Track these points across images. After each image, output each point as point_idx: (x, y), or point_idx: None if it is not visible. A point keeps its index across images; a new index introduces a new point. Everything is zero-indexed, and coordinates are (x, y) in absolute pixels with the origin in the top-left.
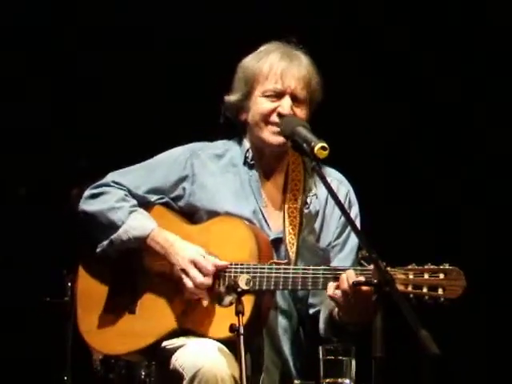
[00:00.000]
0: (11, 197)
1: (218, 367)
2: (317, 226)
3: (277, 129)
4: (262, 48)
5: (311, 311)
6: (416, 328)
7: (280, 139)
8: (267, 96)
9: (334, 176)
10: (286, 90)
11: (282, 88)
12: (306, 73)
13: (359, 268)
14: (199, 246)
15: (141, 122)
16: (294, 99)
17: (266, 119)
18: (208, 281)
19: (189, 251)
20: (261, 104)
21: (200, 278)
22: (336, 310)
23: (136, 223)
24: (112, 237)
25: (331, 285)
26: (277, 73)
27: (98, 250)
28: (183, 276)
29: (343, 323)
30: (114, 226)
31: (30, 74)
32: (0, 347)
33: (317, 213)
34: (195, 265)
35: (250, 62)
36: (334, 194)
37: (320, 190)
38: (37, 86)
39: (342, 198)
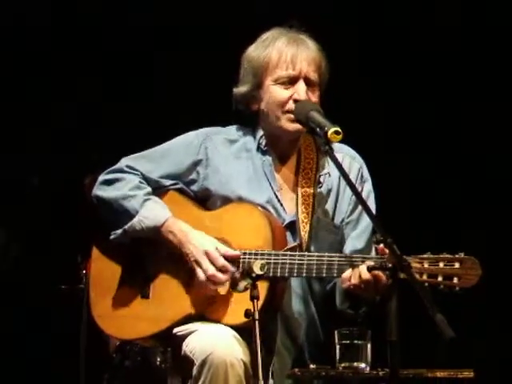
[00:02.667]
0: (25, 186)
1: (228, 353)
2: (330, 204)
3: (294, 116)
4: (264, 36)
5: (328, 287)
6: (432, 311)
7: (298, 126)
8: (280, 83)
9: (346, 152)
10: (300, 74)
11: (295, 73)
12: (315, 55)
13: (374, 257)
14: (213, 236)
15: (151, 112)
16: (307, 83)
17: (282, 107)
18: (219, 275)
19: (203, 242)
20: (275, 92)
21: (212, 271)
22: None
23: (150, 213)
24: (126, 226)
25: (345, 278)
26: (287, 59)
27: (111, 237)
28: (196, 267)
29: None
30: (127, 215)
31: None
32: (15, 335)
33: (330, 191)
34: (208, 256)
35: (255, 51)
36: (347, 177)
37: (333, 168)
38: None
39: (354, 173)
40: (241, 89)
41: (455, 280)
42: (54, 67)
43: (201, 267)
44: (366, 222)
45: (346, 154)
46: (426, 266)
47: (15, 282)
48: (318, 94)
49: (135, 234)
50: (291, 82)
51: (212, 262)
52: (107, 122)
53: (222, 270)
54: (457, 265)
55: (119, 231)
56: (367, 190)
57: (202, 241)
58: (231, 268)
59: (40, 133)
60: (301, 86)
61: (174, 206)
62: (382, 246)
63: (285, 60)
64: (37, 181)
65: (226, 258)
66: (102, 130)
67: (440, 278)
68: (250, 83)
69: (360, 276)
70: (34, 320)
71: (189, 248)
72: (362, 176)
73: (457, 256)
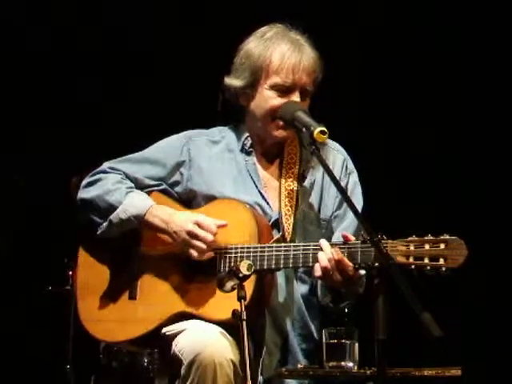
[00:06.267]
0: (11, 187)
1: (217, 352)
2: (315, 197)
3: (282, 123)
4: (267, 34)
5: (314, 281)
6: (418, 311)
7: (285, 134)
8: (276, 90)
9: (330, 145)
10: (296, 85)
11: (293, 83)
12: (315, 66)
13: (359, 242)
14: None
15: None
16: (302, 93)
17: (272, 114)
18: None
19: (191, 215)
20: (268, 98)
21: (209, 236)
22: None
23: (133, 201)
24: (111, 216)
25: (317, 267)
26: (289, 67)
27: (98, 232)
28: (191, 240)
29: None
30: (112, 208)
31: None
32: (2, 337)
33: (314, 185)
34: (199, 225)
35: (256, 48)
36: (332, 175)
37: (317, 162)
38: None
39: (339, 166)
40: (234, 82)
41: (441, 261)
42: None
43: (197, 237)
44: (352, 216)
45: (330, 148)
46: (411, 248)
47: (1, 284)
48: (309, 103)
49: (120, 224)
50: (287, 90)
51: (205, 229)
52: (91, 124)
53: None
54: (442, 246)
55: (105, 224)
56: (353, 182)
57: (188, 215)
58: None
59: (26, 133)
60: (295, 97)
61: None
62: (345, 233)
63: (286, 68)
64: (23, 182)
65: (217, 227)
66: (88, 131)
67: (426, 260)
68: (245, 80)
69: (325, 259)
70: (20, 321)
71: (176, 225)
72: (346, 168)
73: (442, 237)
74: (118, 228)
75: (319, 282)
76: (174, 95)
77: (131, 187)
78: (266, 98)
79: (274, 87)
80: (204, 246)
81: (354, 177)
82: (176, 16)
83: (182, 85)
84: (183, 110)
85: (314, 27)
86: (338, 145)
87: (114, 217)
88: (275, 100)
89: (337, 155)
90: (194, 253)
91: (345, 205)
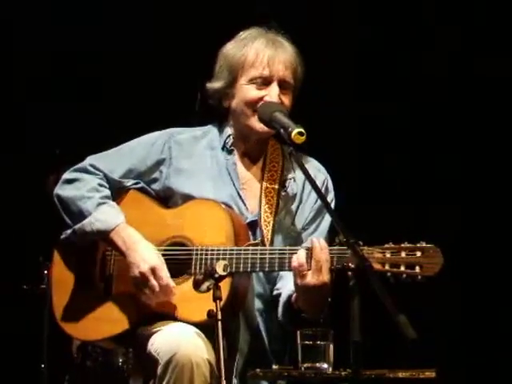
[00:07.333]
0: None
1: (193, 352)
2: (293, 208)
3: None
4: (243, 35)
5: (274, 293)
6: (393, 313)
7: (266, 128)
8: (254, 83)
9: (312, 164)
10: (274, 76)
11: (270, 74)
12: (292, 59)
13: (335, 248)
14: (174, 234)
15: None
16: (281, 86)
17: (252, 107)
18: (163, 295)
19: (151, 255)
20: (247, 91)
21: (157, 288)
22: (294, 295)
23: (102, 216)
24: (75, 227)
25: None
26: (263, 60)
27: (61, 237)
28: (141, 280)
29: (299, 310)
30: (81, 216)
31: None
32: None
33: (294, 196)
34: (154, 272)
35: (233, 49)
36: (310, 177)
37: (298, 174)
38: None
39: (319, 184)
40: (215, 84)
41: (417, 269)
42: None
43: (148, 281)
44: (324, 225)
45: (312, 166)
46: (388, 255)
47: None
48: (291, 98)
49: (84, 235)
50: (265, 83)
51: (156, 280)
52: (72, 121)
53: (163, 290)
54: (418, 253)
55: (69, 231)
56: (329, 199)
57: (150, 254)
58: (173, 290)
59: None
60: (274, 88)
61: (135, 205)
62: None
63: (261, 61)
64: None
65: (169, 288)
66: (67, 129)
67: (402, 268)
68: (224, 80)
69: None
70: None
71: (135, 258)
72: (327, 188)
73: (418, 245)
74: (80, 238)
75: (281, 298)
76: (171, 95)
77: (106, 196)
78: (245, 92)
79: (251, 81)
80: (151, 294)
81: (331, 196)
82: (174, 15)
83: (180, 85)
84: (180, 111)
85: (312, 28)
86: (320, 165)
87: (78, 227)
88: (254, 92)
89: (318, 174)
90: (143, 291)
91: (317, 221)
